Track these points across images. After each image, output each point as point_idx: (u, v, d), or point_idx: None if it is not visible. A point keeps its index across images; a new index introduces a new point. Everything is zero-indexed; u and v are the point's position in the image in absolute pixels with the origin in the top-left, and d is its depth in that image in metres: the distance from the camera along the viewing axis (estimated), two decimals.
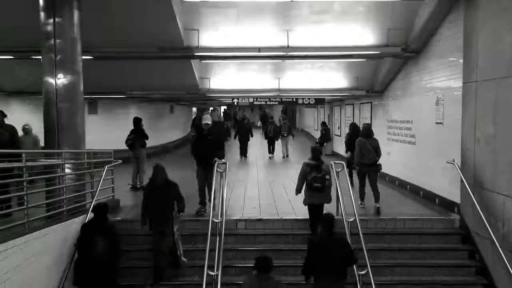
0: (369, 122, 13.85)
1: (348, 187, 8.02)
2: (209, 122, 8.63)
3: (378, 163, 8.70)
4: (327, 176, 7.44)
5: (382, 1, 8.77)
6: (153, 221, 7.03)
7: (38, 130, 8.96)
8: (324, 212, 7.35)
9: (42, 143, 8.72)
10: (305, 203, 7.66)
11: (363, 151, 8.61)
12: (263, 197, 10.15)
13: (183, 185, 7.44)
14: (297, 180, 7.77)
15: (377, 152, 8.68)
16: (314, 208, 7.55)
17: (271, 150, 18.13)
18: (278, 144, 18.30)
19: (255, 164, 16.27)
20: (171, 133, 24.75)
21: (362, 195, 8.90)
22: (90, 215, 7.07)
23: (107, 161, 9.03)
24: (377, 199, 8.53)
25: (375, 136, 8.94)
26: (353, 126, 10.95)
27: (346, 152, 10.76)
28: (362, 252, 6.51)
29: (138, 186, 11.03)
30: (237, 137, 17.90)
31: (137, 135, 11.16)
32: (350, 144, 10.22)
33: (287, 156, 18.02)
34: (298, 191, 7.77)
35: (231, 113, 34.72)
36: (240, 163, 16.25)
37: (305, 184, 7.58)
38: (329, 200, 7.63)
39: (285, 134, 18.01)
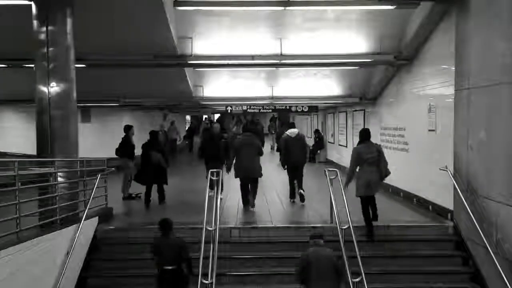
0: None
1: (342, 195, 8.02)
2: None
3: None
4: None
5: (375, 9, 8.83)
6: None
7: (32, 138, 8.88)
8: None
9: None
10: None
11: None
12: (257, 204, 10.12)
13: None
14: (281, 155, 10.43)
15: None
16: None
17: None
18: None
19: None
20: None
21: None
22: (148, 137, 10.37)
23: (100, 169, 8.99)
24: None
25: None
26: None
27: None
28: (356, 259, 6.51)
29: (126, 196, 11.01)
30: None
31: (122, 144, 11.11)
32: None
33: (277, 150, 19.77)
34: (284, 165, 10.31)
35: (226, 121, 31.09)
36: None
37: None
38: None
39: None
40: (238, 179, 9.68)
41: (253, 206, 9.52)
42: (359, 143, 8.05)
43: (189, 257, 6.39)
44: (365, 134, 8.03)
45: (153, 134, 10.21)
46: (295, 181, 10.13)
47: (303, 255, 5.80)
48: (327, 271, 5.58)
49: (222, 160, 10.31)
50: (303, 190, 9.95)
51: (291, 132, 10.14)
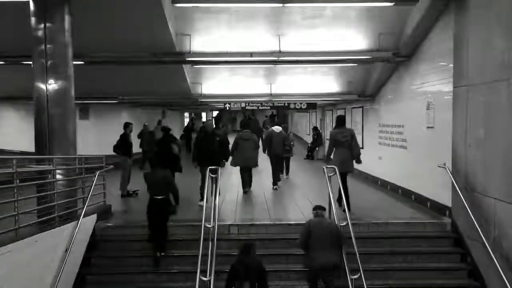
0: (356, 126, 14.08)
1: (340, 192, 8.02)
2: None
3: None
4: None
5: (373, 6, 8.82)
6: None
7: (30, 135, 8.87)
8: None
9: None
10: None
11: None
12: (256, 201, 10.14)
13: None
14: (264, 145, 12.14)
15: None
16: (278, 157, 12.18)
17: None
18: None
19: None
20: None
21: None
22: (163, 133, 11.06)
23: (98, 167, 8.98)
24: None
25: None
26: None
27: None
28: (355, 256, 6.53)
29: (125, 193, 11.01)
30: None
31: (120, 141, 11.14)
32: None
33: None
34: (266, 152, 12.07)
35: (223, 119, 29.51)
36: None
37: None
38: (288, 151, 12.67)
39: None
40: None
41: (249, 187, 11.36)
42: (335, 128, 9.31)
43: (175, 188, 7.84)
44: (340, 121, 9.26)
45: (165, 129, 11.11)
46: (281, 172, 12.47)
47: (305, 223, 6.37)
48: (328, 239, 6.08)
49: (217, 161, 9.17)
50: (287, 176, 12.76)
51: (276, 128, 12.19)
